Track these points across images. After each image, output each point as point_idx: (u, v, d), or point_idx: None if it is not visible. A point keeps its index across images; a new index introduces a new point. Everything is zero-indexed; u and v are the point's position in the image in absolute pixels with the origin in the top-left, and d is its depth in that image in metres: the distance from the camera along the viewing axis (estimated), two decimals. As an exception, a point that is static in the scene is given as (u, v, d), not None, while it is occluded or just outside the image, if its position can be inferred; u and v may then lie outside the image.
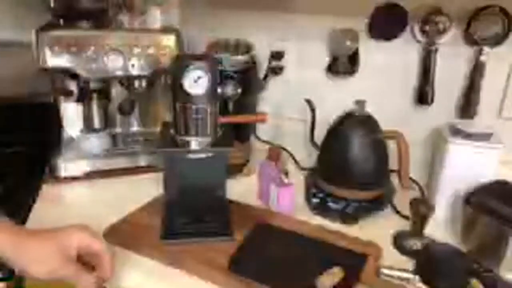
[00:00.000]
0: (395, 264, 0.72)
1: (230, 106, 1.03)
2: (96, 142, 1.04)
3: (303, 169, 1.12)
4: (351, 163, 0.91)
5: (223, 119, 0.83)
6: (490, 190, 0.79)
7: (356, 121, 0.92)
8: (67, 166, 0.99)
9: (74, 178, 0.99)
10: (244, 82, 1.03)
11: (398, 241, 0.81)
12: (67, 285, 0.80)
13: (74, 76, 0.93)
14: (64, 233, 0.59)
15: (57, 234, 0.58)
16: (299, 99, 1.07)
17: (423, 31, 0.99)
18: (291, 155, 1.18)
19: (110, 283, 0.72)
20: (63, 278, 0.57)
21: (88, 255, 0.61)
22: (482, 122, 0.89)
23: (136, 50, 0.94)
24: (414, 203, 0.78)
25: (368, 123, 0.93)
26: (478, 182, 0.81)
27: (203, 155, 0.79)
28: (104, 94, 1.04)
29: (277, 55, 1.19)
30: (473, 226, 0.78)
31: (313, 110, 1.03)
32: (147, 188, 0.95)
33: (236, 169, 1.05)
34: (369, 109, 0.95)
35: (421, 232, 0.79)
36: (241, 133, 1.14)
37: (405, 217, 0.88)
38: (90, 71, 0.92)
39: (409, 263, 0.75)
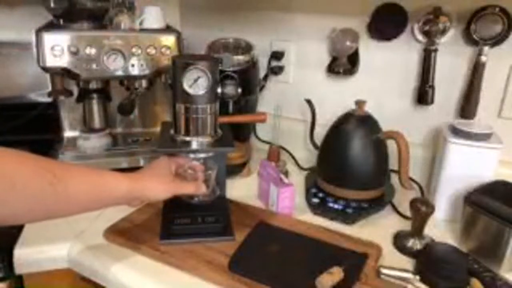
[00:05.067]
0: (395, 264, 0.72)
1: (230, 106, 1.03)
2: (96, 142, 1.04)
3: (303, 169, 1.13)
4: (351, 163, 0.91)
5: (223, 119, 0.83)
6: (490, 190, 0.79)
7: (356, 121, 0.93)
8: (67, 166, 0.99)
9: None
10: (244, 82, 1.03)
11: (398, 241, 0.80)
12: (67, 286, 0.80)
13: (74, 76, 0.92)
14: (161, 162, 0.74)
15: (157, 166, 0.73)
16: (299, 99, 1.07)
17: (423, 31, 0.99)
18: (291, 155, 1.18)
19: (110, 283, 0.72)
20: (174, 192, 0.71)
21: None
22: (482, 122, 0.89)
23: (136, 50, 0.94)
24: (414, 203, 0.78)
25: (368, 123, 0.93)
26: (478, 182, 0.82)
27: (203, 155, 0.79)
28: (104, 94, 1.05)
29: (277, 55, 1.19)
30: (473, 226, 0.78)
31: (313, 111, 1.03)
32: (147, 188, 0.94)
33: (236, 169, 1.05)
34: (369, 109, 0.95)
35: (421, 232, 0.79)
36: (241, 133, 1.14)
37: (405, 217, 0.89)
38: (90, 71, 0.92)
39: (409, 263, 0.75)
